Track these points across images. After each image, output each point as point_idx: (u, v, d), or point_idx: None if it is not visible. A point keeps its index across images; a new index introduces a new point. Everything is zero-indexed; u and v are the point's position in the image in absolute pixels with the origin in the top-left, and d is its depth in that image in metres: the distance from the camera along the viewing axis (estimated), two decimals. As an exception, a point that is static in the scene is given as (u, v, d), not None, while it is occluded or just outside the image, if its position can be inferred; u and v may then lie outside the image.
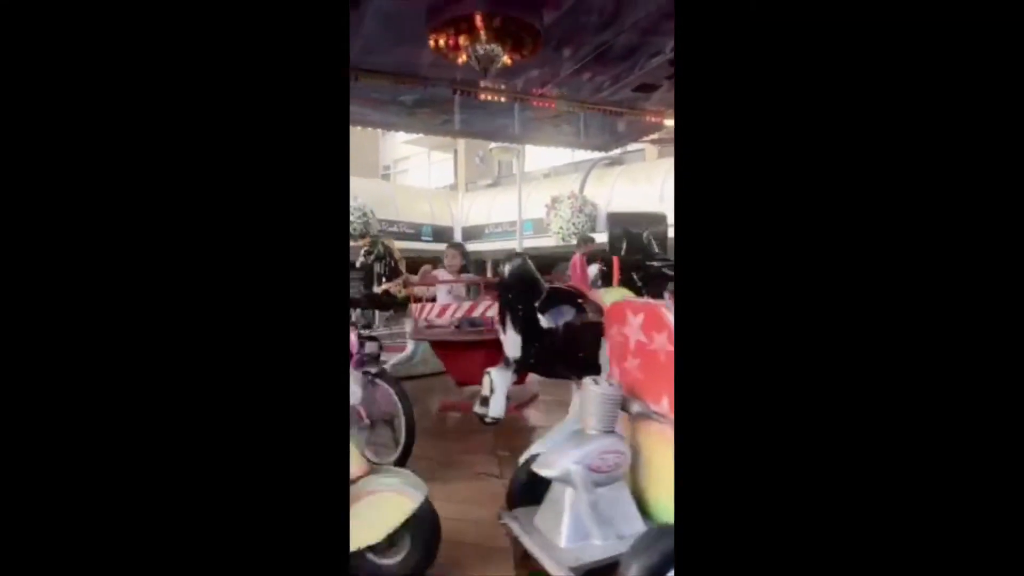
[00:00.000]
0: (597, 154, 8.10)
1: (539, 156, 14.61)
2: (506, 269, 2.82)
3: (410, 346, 5.02)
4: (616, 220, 4.76)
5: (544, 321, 2.61)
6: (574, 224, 11.33)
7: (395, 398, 2.62)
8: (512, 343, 2.72)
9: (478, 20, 2.51)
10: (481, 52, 2.58)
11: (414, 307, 4.59)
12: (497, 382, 2.69)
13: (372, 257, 5.50)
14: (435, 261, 5.45)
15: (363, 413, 2.57)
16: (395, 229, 13.94)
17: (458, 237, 16.31)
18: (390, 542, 1.67)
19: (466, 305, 4.32)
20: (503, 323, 2.76)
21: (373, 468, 1.81)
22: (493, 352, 3.08)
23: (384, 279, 5.44)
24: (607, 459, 1.47)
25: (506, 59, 2.74)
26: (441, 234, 16.00)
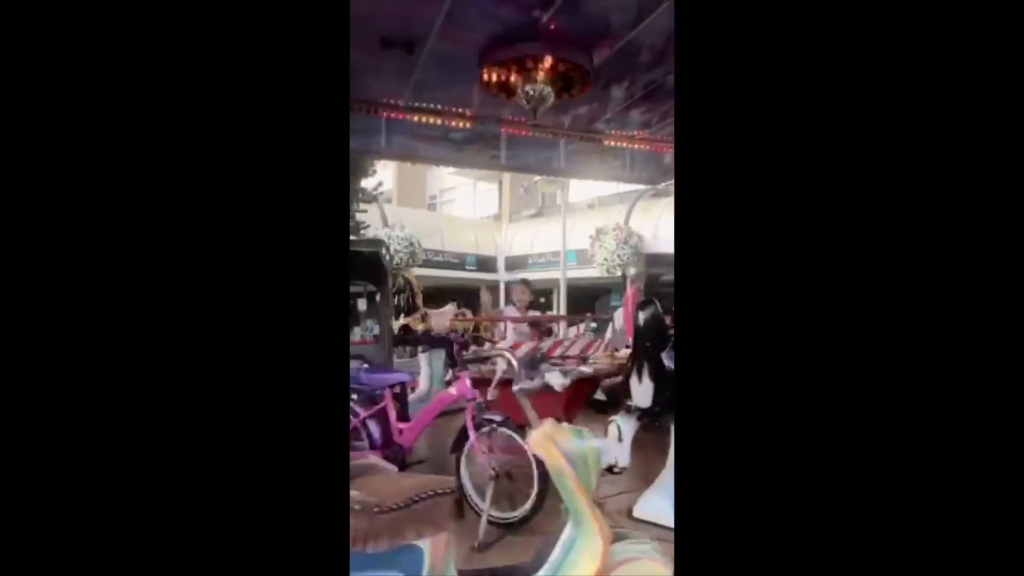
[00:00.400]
0: (643, 185, 8.07)
1: (584, 187, 14.65)
2: (640, 316, 2.77)
3: (423, 383, 4.68)
4: (654, 260, 4.71)
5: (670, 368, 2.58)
6: (619, 256, 11.25)
7: (517, 441, 2.52)
8: (645, 392, 2.67)
9: (531, 63, 2.56)
10: (532, 93, 2.63)
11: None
12: (625, 431, 2.65)
13: (394, 290, 5.36)
14: (472, 292, 5.36)
15: (491, 467, 2.48)
16: (440, 259, 14.15)
17: (502, 267, 16.42)
18: None
19: (547, 344, 4.21)
20: (638, 371, 2.72)
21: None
22: (574, 393, 3.02)
23: (403, 314, 5.29)
24: None
25: (554, 99, 2.79)
26: (485, 263, 16.15)
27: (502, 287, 15.44)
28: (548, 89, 2.64)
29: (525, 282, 5.03)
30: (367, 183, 10.05)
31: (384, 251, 4.14)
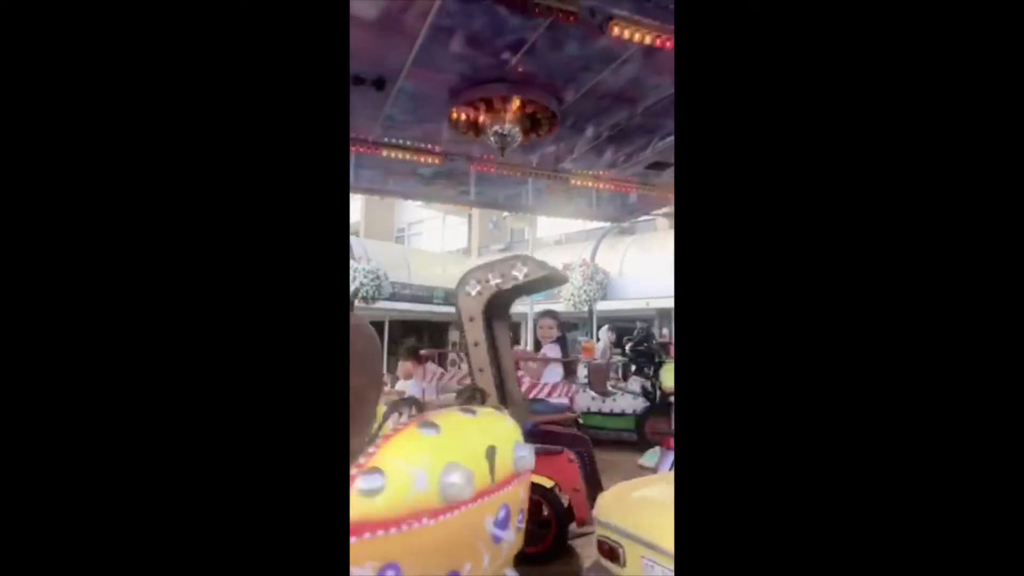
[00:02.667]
0: (608, 223, 8.23)
1: (551, 223, 14.86)
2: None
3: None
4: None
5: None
6: (585, 291, 11.38)
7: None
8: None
9: (498, 103, 2.61)
10: (500, 132, 2.68)
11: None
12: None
13: None
14: (439, 327, 5.31)
15: None
16: (408, 292, 14.04)
17: (469, 300, 16.43)
18: None
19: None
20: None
21: None
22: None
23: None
24: None
25: (522, 139, 2.84)
26: (453, 297, 16.13)
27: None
28: (516, 129, 2.69)
29: (551, 314, 4.76)
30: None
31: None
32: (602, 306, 11.51)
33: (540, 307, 11.42)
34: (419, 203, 17.84)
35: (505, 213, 11.04)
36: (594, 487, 2.78)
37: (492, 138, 2.72)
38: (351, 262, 6.21)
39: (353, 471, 0.90)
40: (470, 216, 18.02)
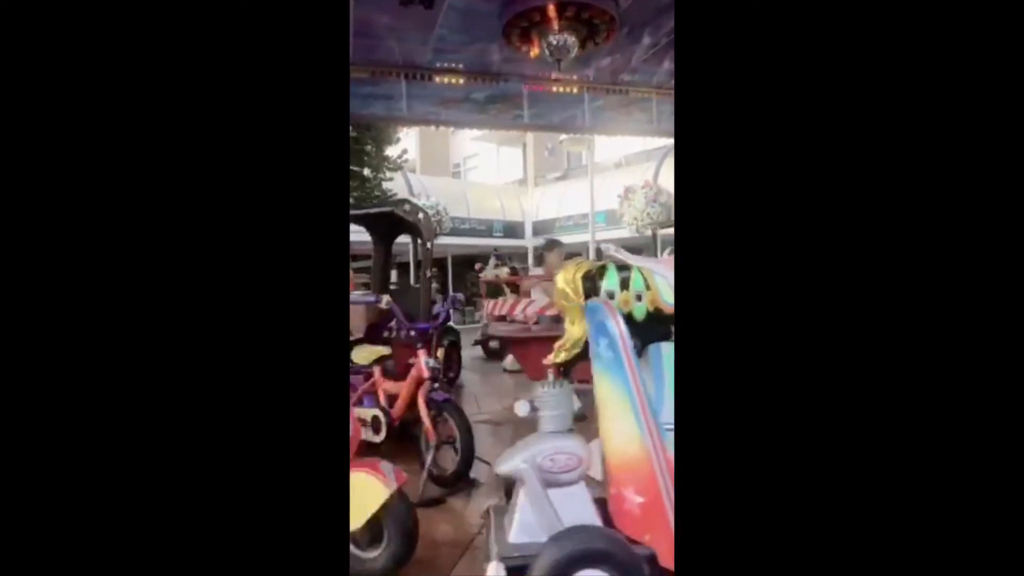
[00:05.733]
0: (671, 140, 7.86)
1: (610, 145, 14.36)
2: None
3: None
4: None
5: None
6: (648, 214, 11.06)
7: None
8: None
9: (551, 10, 2.48)
10: (555, 43, 2.55)
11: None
12: None
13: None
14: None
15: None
16: (467, 226, 14.14)
17: (529, 232, 16.33)
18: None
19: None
20: None
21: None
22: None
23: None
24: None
25: (578, 50, 2.70)
26: (512, 230, 16.09)
27: (530, 251, 15.39)
28: (572, 38, 2.56)
29: (555, 243, 4.98)
30: (392, 151, 10.04)
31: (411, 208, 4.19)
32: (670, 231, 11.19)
33: (602, 235, 11.25)
34: (473, 135, 17.63)
35: (562, 136, 10.74)
36: None
37: (547, 50, 2.60)
38: (411, 199, 6.28)
39: None
40: (524, 145, 17.69)
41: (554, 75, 3.50)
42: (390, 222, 4.06)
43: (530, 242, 16.13)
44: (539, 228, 16.17)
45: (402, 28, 2.85)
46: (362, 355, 2.91)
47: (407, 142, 11.54)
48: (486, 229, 15.44)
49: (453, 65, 3.36)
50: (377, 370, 2.93)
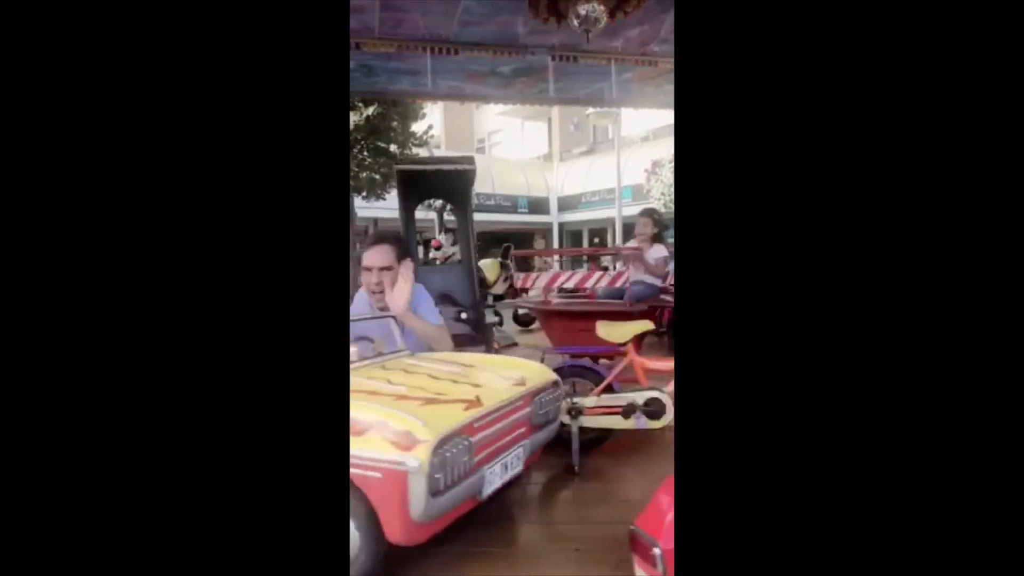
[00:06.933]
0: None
1: (637, 118, 14.10)
2: None
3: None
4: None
5: None
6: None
7: None
8: None
9: (580, -21, 2.42)
10: (583, 13, 2.50)
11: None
12: None
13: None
14: (524, 237, 5.40)
15: None
16: (492, 202, 14.09)
17: (554, 208, 16.21)
18: None
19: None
20: None
21: None
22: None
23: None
24: None
25: (607, 20, 2.64)
26: (537, 206, 15.98)
27: (555, 229, 15.28)
28: (600, 8, 2.50)
29: (649, 212, 4.86)
30: (417, 127, 10.03)
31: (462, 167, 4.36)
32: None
33: (628, 209, 11.10)
34: (498, 111, 17.46)
35: (588, 110, 10.57)
36: None
37: (575, 21, 2.55)
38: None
39: None
40: (549, 120, 17.47)
41: (582, 47, 3.43)
42: (430, 184, 4.25)
43: (555, 218, 16.00)
44: (564, 204, 16.03)
45: (428, 1, 2.82)
46: (616, 332, 2.37)
47: (431, 117, 11.49)
48: (511, 205, 15.36)
49: (478, 39, 3.32)
50: (631, 348, 2.38)
